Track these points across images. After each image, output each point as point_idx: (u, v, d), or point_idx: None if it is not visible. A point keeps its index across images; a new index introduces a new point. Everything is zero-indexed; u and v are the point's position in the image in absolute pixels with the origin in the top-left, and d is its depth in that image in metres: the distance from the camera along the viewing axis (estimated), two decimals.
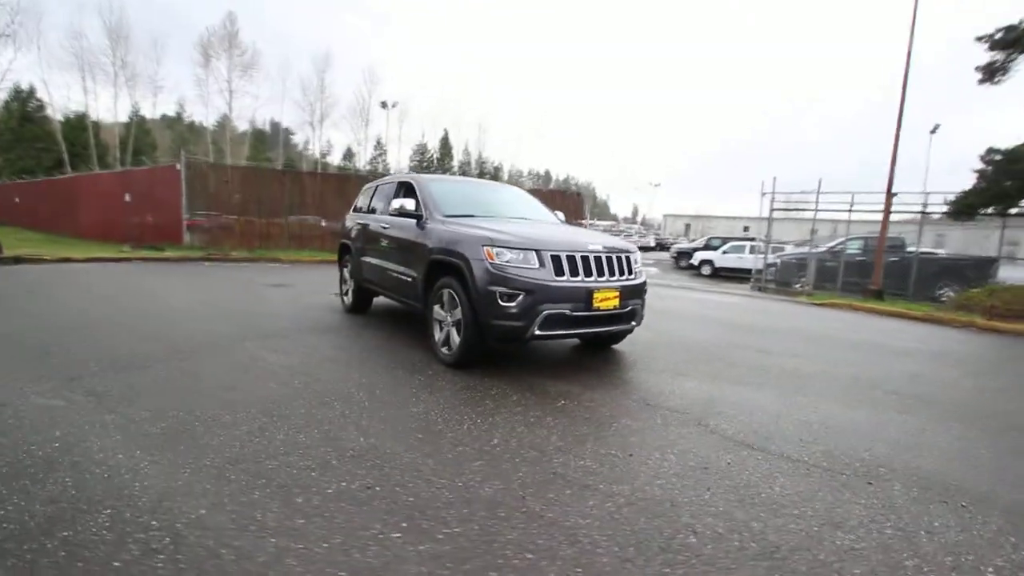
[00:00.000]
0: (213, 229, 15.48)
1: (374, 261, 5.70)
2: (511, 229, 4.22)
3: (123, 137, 42.55)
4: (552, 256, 3.93)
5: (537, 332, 3.85)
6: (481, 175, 63.89)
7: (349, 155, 61.36)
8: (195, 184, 15.21)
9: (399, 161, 63.13)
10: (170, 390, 3.35)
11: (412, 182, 5.31)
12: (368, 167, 59.78)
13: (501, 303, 3.79)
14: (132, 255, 12.78)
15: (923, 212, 12.50)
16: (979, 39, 9.84)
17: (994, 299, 8.59)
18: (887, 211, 12.25)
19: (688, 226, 57.30)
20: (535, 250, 3.91)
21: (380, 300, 6.63)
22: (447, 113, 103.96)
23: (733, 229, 41.77)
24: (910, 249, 13.80)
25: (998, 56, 9.68)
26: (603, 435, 2.97)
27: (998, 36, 9.56)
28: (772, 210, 14.23)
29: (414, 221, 4.89)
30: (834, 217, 14.17)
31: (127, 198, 16.47)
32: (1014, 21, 9.32)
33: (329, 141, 49.32)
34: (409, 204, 4.88)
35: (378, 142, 62.12)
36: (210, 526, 1.91)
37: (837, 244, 14.51)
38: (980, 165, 10.62)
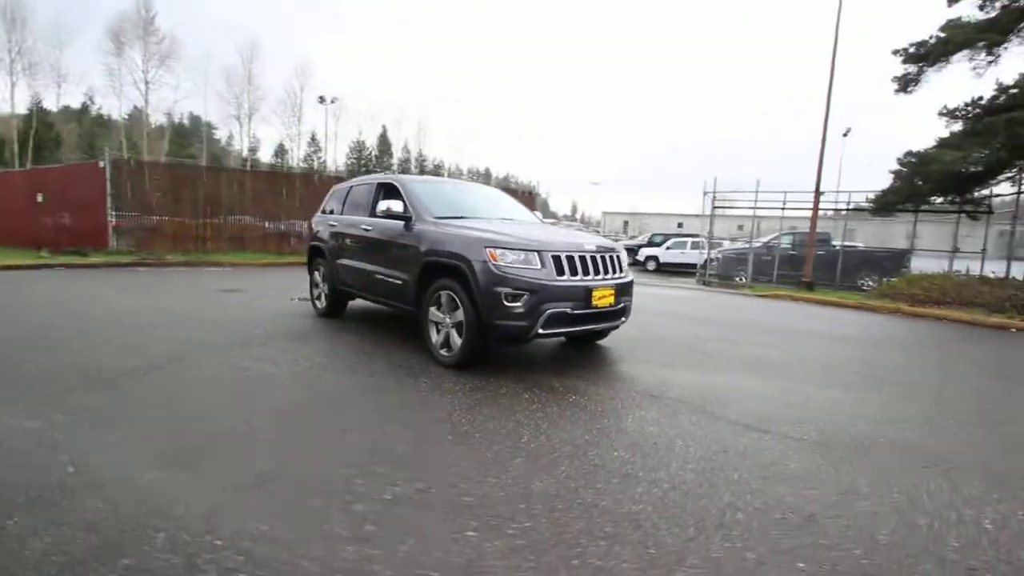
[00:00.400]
0: (142, 231, 14.38)
1: (354, 264, 5.57)
2: (508, 230, 4.28)
3: (22, 131, 38.51)
4: (553, 256, 4.03)
5: (540, 331, 3.94)
6: (421, 173, 63.04)
7: (281, 152, 58.63)
8: (121, 183, 14.06)
9: (335, 159, 61.20)
10: (166, 404, 3.16)
11: (395, 183, 5.24)
12: (303, 164, 57.49)
13: (506, 304, 3.85)
14: (52, 261, 11.65)
15: (848, 209, 13.70)
16: (895, 52, 10.93)
17: (914, 287, 9.60)
18: (816, 208, 13.32)
19: (626, 223, 59.32)
20: (536, 251, 4.00)
21: (355, 303, 6.49)
22: (386, 110, 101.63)
23: (668, 226, 43.77)
24: (835, 243, 15.10)
25: (911, 68, 10.80)
26: (624, 427, 3.10)
27: (911, 50, 10.67)
28: (714, 208, 15.07)
29: (401, 223, 4.84)
30: (768, 214, 15.16)
31: (39, 198, 14.96)
32: (925, 37, 10.45)
33: (254, 135, 46.50)
34: (396, 206, 4.82)
35: (312, 138, 59.88)
36: (278, 539, 1.86)
37: (772, 239, 15.61)
38: (897, 165, 11.76)
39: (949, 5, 10.53)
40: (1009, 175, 10.97)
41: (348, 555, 1.79)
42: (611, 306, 4.28)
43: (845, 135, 31.86)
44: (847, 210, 13.66)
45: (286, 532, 1.90)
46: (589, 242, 4.41)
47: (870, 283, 14.36)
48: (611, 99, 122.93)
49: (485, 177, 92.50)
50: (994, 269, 11.38)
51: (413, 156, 67.86)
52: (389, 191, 5.61)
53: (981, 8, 10.44)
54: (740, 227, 15.35)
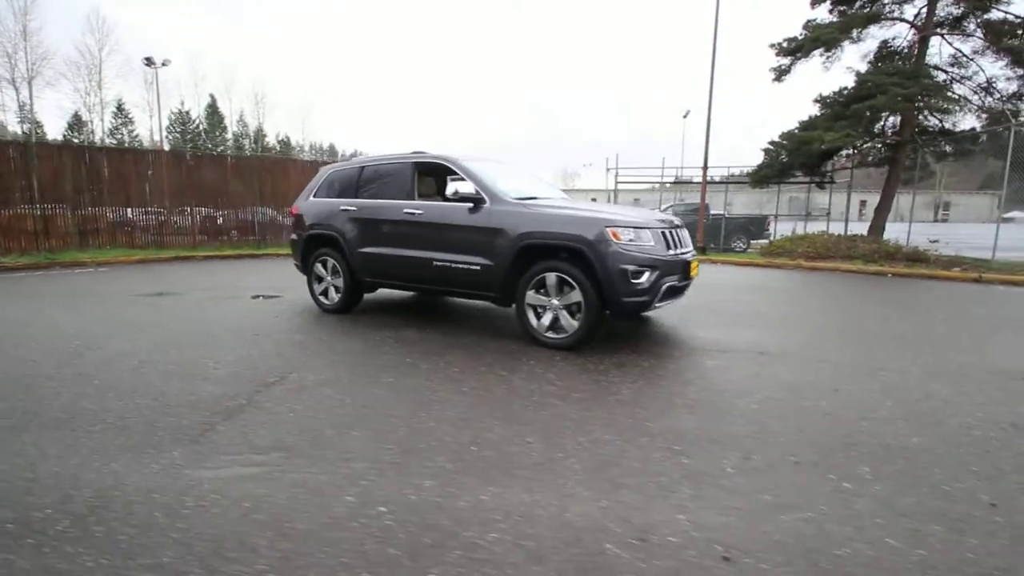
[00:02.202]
0: None
1: (393, 252, 5.06)
2: (606, 209, 4.34)
3: None
4: (660, 233, 4.20)
5: (656, 304, 4.13)
6: (264, 149, 56.66)
7: (78, 123, 47.97)
8: None
9: (152, 131, 51.87)
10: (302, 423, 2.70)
11: (448, 163, 4.86)
12: (111, 140, 47.94)
13: (632, 281, 3.93)
14: None
15: (726, 181, 15.84)
16: (771, 46, 12.83)
17: (804, 245, 11.62)
18: (704, 182, 15.18)
19: None
20: (647, 228, 4.12)
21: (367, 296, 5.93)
22: (213, 77, 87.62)
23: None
24: (714, 212, 17.40)
25: (784, 61, 12.79)
26: (730, 378, 3.46)
27: (784, 45, 12.61)
28: (617, 183, 16.29)
29: (467, 206, 4.56)
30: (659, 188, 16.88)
31: None
32: (796, 34, 12.42)
33: (27, 105, 36.03)
34: (466, 187, 4.51)
35: (119, 108, 50.06)
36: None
37: (667, 208, 17.43)
38: (768, 145, 13.89)
39: (812, 6, 12.64)
40: (847, 152, 13.71)
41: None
42: (693, 277, 4.61)
43: (685, 117, 36.21)
44: (727, 182, 15.80)
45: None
46: (663, 218, 4.66)
47: (740, 245, 16.92)
48: (481, 75, 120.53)
49: (331, 153, 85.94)
50: (836, 229, 14.22)
51: (252, 130, 60.43)
52: (434, 171, 5.24)
53: (830, 12, 12.73)
54: (636, 200, 16.79)
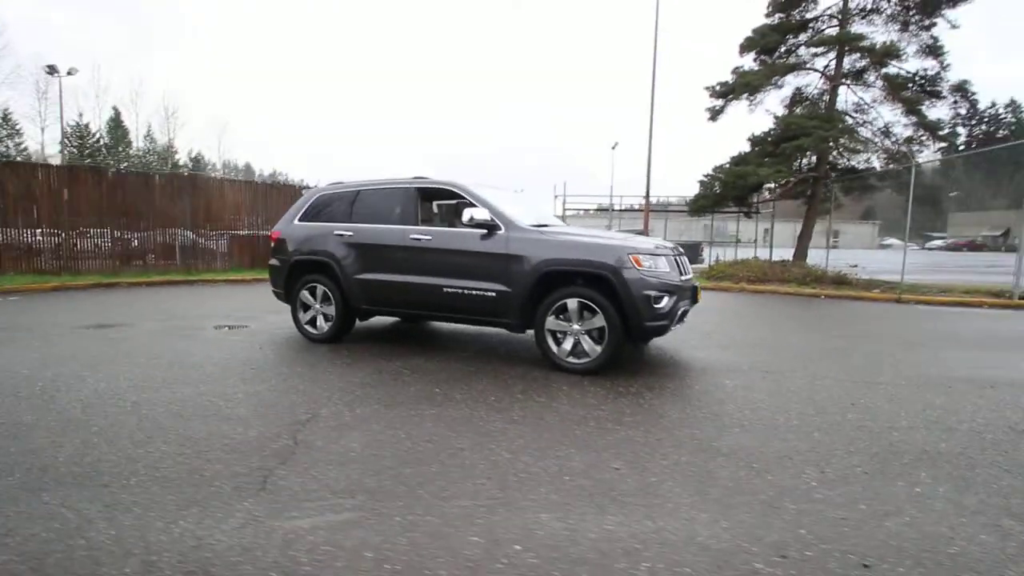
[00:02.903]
0: None
1: (396, 279, 4.91)
2: (621, 236, 4.51)
3: None
4: (672, 260, 4.41)
5: (672, 327, 4.30)
6: (175, 167, 52.78)
7: None
8: None
9: (43, 144, 46.75)
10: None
11: (455, 189, 4.84)
12: None
13: (654, 306, 4.08)
14: None
15: (665, 209, 16.86)
16: (706, 88, 14.00)
17: (744, 270, 12.56)
18: (647, 209, 16.07)
19: None
20: (663, 255, 4.32)
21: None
22: (122, 89, 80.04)
23: None
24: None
25: (718, 102, 13.98)
26: (756, 396, 3.70)
27: (717, 87, 13.81)
28: (565, 209, 16.82)
29: (480, 232, 4.56)
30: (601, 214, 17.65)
31: None
32: (727, 79, 13.65)
33: None
34: (480, 214, 4.50)
35: (5, 117, 44.86)
36: None
37: None
38: (703, 176, 15.02)
39: (740, 55, 13.99)
40: (770, 186, 15.11)
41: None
42: (698, 301, 4.86)
43: (613, 148, 38.10)
44: (668, 211, 16.83)
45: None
46: (669, 245, 4.89)
47: None
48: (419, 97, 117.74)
49: (247, 172, 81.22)
50: (760, 254, 15.54)
51: (161, 146, 56.13)
52: (437, 197, 5.19)
53: (754, 60, 14.14)
54: (609, 226, 17.45)
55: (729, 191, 14.20)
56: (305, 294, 5.44)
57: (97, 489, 2.30)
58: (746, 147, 14.05)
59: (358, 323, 5.72)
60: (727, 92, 13.74)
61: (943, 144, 13.22)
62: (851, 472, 2.55)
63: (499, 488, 2.34)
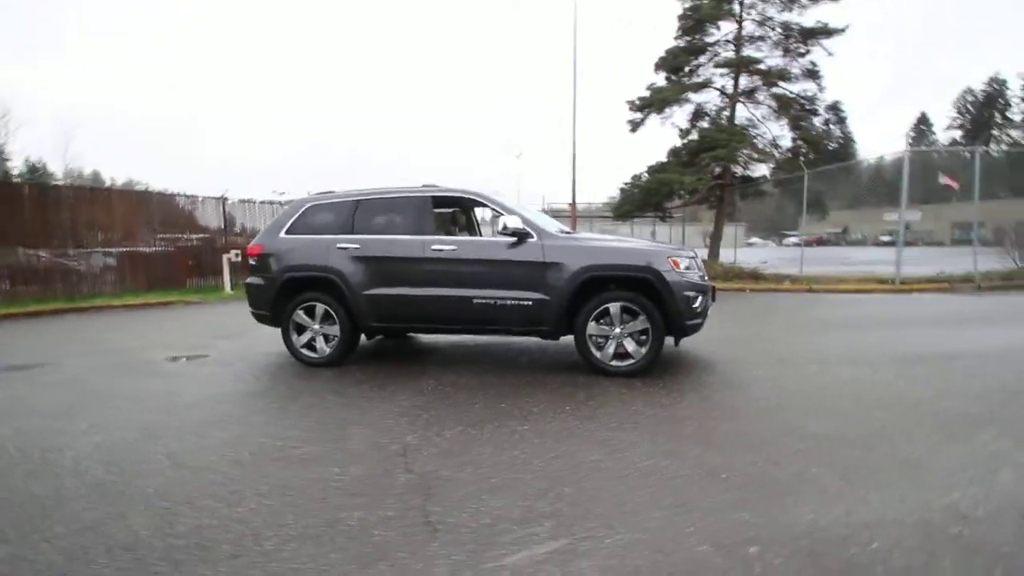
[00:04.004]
0: None
1: (418, 292, 4.62)
2: (644, 241, 4.67)
3: None
4: (696, 261, 4.66)
5: (703, 325, 4.55)
6: (5, 175, 44.61)
7: None
8: None
9: None
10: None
11: (480, 198, 4.78)
12: None
13: (693, 306, 4.29)
14: None
15: (591, 216, 17.64)
16: (627, 102, 14.93)
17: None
18: (574, 216, 16.70)
19: None
20: (691, 257, 4.56)
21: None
22: None
23: None
24: None
25: (638, 115, 14.96)
26: (791, 385, 4.11)
27: (637, 101, 14.78)
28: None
29: (509, 240, 4.48)
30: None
31: None
32: (645, 93, 14.66)
33: None
34: (514, 222, 4.42)
35: None
36: None
37: None
38: (624, 184, 15.97)
39: (655, 72, 15.12)
40: (683, 193, 16.48)
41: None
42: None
43: (518, 157, 39.24)
44: (592, 216, 17.61)
45: None
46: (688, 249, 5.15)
47: None
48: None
49: (94, 180, 70.03)
50: None
51: None
52: (452, 205, 5.02)
53: (666, 79, 15.38)
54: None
55: (651, 197, 15.25)
56: (300, 314, 4.93)
57: (234, 567, 1.92)
58: (663, 157, 15.23)
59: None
60: (645, 106, 14.80)
61: (820, 155, 15.36)
62: (930, 445, 2.89)
63: (671, 505, 2.31)
